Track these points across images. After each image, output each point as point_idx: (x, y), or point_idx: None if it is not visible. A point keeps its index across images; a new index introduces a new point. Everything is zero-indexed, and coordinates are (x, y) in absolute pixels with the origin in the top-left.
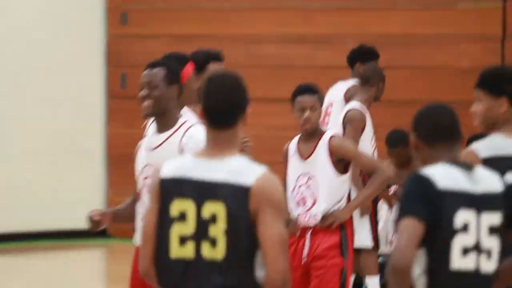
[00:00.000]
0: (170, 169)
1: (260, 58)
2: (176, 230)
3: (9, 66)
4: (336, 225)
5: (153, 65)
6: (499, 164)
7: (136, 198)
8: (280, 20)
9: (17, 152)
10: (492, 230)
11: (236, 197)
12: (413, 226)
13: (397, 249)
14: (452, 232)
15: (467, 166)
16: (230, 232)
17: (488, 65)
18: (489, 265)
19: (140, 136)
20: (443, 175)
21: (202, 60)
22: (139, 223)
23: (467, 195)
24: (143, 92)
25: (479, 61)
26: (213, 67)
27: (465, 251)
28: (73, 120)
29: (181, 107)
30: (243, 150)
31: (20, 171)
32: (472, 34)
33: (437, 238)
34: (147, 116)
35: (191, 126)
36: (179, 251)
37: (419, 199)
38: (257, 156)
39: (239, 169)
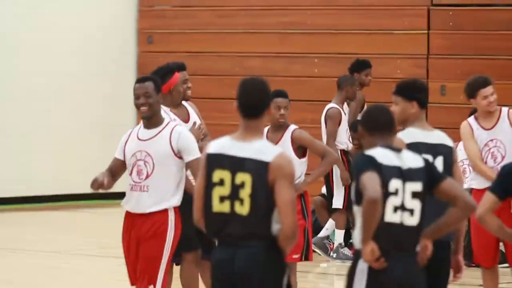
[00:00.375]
0: (215, 147)
1: (248, 69)
2: (217, 192)
3: (54, 80)
4: (296, 195)
5: (143, 79)
6: (416, 147)
7: (112, 170)
8: (263, 41)
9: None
10: (414, 195)
11: (258, 169)
12: (373, 176)
13: (368, 189)
14: (387, 195)
15: (397, 149)
16: (253, 195)
17: (415, 76)
18: (411, 220)
19: None
20: (381, 154)
21: (172, 69)
22: (128, 192)
23: (397, 169)
24: (141, 100)
25: (410, 74)
26: (181, 74)
27: (395, 209)
28: (107, 118)
29: (171, 107)
30: (202, 140)
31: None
32: (404, 53)
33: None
34: (146, 118)
35: (175, 125)
36: (219, 206)
37: (370, 164)
38: None
39: (262, 149)
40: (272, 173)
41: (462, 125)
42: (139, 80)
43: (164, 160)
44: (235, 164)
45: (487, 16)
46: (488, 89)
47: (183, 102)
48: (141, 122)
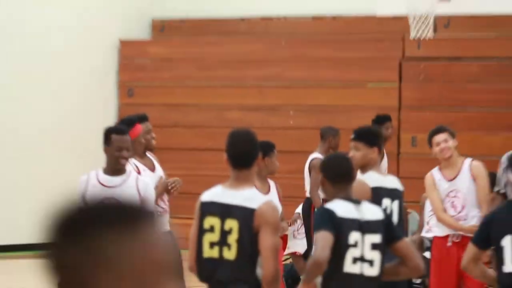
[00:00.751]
0: (207, 195)
1: (227, 121)
2: (207, 238)
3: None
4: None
5: (122, 131)
6: (379, 191)
7: None
8: (242, 94)
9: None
10: (373, 246)
11: (245, 216)
12: (327, 237)
13: (317, 250)
14: (346, 247)
15: (356, 201)
16: (240, 241)
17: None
18: (371, 271)
19: None
20: (341, 207)
21: (134, 121)
22: None
23: (356, 221)
24: (124, 153)
25: None
26: (143, 125)
27: (354, 260)
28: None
29: (135, 156)
30: (171, 189)
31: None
32: (377, 105)
33: (336, 250)
34: (119, 168)
35: (137, 175)
36: (209, 252)
37: (327, 221)
38: None
39: (251, 197)
40: (257, 219)
41: (426, 176)
42: (120, 132)
43: None
44: (224, 211)
45: (457, 69)
46: (440, 136)
47: (147, 153)
48: (97, 169)
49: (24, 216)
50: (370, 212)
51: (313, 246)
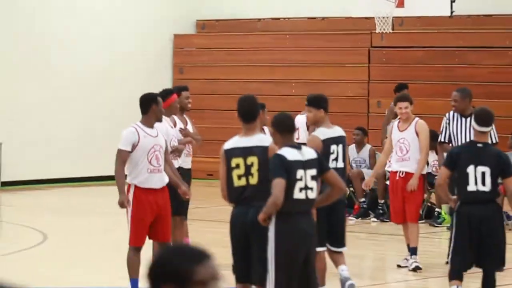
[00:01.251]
0: (229, 144)
1: (248, 90)
2: (235, 173)
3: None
4: None
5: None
6: (328, 141)
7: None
8: (258, 72)
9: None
10: (312, 178)
11: (262, 152)
12: (281, 183)
13: (275, 194)
14: (294, 181)
15: (299, 147)
16: (260, 170)
17: (360, 95)
18: (312, 195)
19: None
20: (288, 153)
21: (178, 90)
22: (147, 174)
23: (300, 162)
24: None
25: (356, 93)
26: (184, 94)
27: (300, 189)
28: None
29: (170, 116)
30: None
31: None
32: (353, 80)
33: (288, 184)
34: (159, 121)
35: (158, 126)
36: (238, 182)
37: (282, 168)
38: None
39: (262, 139)
40: (271, 153)
41: (390, 126)
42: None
43: (164, 150)
44: (245, 152)
45: (408, 54)
46: (403, 104)
47: (184, 114)
48: (136, 124)
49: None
50: (308, 153)
51: (272, 189)
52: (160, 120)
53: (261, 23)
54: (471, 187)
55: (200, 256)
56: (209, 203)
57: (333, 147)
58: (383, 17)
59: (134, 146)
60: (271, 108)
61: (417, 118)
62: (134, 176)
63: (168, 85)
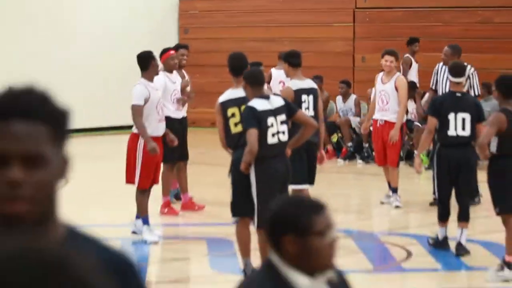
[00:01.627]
0: (223, 97)
1: (246, 48)
2: (232, 121)
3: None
4: None
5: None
6: (299, 92)
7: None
8: (254, 31)
9: None
10: (282, 122)
11: None
12: (254, 132)
13: (251, 143)
14: (267, 128)
15: (267, 97)
16: None
17: (346, 51)
18: (283, 138)
19: None
20: (258, 104)
21: (175, 48)
22: (157, 124)
23: (270, 110)
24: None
25: (343, 49)
26: (181, 51)
27: (273, 135)
28: None
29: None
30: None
31: None
32: (340, 37)
33: (261, 132)
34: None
35: (156, 79)
36: (234, 129)
37: (253, 119)
38: None
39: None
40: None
41: (376, 77)
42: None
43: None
44: (239, 102)
45: (388, 14)
46: (389, 57)
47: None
48: (139, 80)
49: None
50: (276, 101)
51: (247, 139)
52: (157, 74)
53: None
54: (451, 132)
55: (317, 207)
56: (212, 149)
57: (304, 97)
58: None
59: (146, 100)
60: (267, 64)
61: (398, 73)
62: (146, 126)
63: (175, 43)
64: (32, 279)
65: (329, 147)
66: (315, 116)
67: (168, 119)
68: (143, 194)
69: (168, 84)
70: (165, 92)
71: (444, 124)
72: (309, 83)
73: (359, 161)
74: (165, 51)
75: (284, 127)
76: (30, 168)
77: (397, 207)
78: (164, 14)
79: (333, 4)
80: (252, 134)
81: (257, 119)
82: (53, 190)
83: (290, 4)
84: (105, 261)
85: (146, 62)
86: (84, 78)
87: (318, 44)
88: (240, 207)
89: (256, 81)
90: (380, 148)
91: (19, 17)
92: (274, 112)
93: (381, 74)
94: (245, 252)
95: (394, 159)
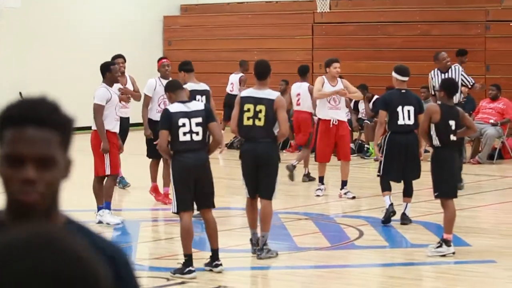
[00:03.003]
0: (244, 92)
1: (221, 57)
2: (246, 115)
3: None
4: None
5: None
6: (193, 92)
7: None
8: (227, 44)
9: None
10: (197, 124)
11: (269, 103)
12: (163, 133)
13: (160, 142)
14: (178, 127)
15: (186, 101)
16: (266, 116)
17: (305, 60)
18: (197, 138)
19: None
20: (173, 107)
21: (112, 59)
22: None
23: (183, 112)
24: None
25: (303, 58)
26: (117, 61)
27: (184, 133)
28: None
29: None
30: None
31: None
32: (300, 48)
33: (172, 131)
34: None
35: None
36: (246, 122)
37: (166, 120)
38: None
39: (270, 93)
40: (276, 104)
41: (318, 79)
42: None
43: None
44: (256, 100)
45: (340, 28)
46: (337, 64)
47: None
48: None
49: None
50: (196, 106)
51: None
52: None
53: (229, 6)
54: (400, 121)
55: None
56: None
57: (198, 97)
58: (323, 0)
59: (107, 101)
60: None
61: (341, 79)
62: (107, 123)
63: (160, 54)
64: (39, 250)
65: (292, 142)
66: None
67: (152, 122)
68: (113, 178)
69: (157, 88)
70: (154, 95)
71: (393, 116)
72: (202, 86)
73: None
74: (159, 60)
75: (200, 129)
76: (42, 168)
77: (353, 197)
78: (151, 28)
79: (295, 20)
80: (162, 136)
81: (169, 120)
82: (58, 187)
83: (258, 20)
84: (98, 248)
85: (104, 70)
86: (81, 82)
87: (282, 54)
88: (252, 189)
89: (175, 89)
90: (332, 146)
91: (33, 33)
92: (189, 114)
93: (324, 78)
94: (251, 225)
95: (348, 154)
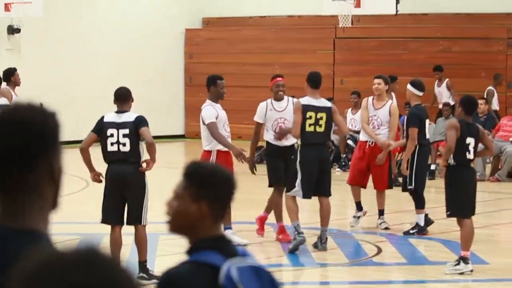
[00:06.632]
0: (303, 100)
1: (243, 70)
2: (308, 122)
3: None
4: None
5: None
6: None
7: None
8: (249, 58)
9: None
10: (124, 135)
11: (328, 110)
12: (90, 135)
13: (84, 141)
14: (106, 137)
15: (120, 112)
16: (326, 122)
17: (327, 74)
18: (124, 148)
19: None
20: (108, 116)
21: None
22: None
23: (114, 123)
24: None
25: (325, 73)
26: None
27: (112, 144)
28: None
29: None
30: None
31: None
32: (323, 62)
33: (102, 140)
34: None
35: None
36: (309, 129)
37: (97, 125)
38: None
39: (325, 102)
40: (333, 111)
41: (364, 99)
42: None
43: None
44: (317, 109)
45: (364, 43)
46: (377, 80)
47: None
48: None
49: None
50: (126, 117)
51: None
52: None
53: (252, 20)
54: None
55: None
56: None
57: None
58: (345, 15)
59: (216, 118)
60: (261, 84)
61: (391, 101)
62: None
63: (181, 67)
64: (90, 265)
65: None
66: None
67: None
68: None
69: (268, 113)
70: (267, 122)
71: (422, 130)
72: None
73: (337, 169)
74: (272, 78)
75: (127, 140)
76: None
77: (386, 228)
78: (172, 41)
79: (317, 34)
80: (89, 137)
81: (100, 127)
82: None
83: (280, 34)
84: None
85: (209, 84)
86: (101, 91)
87: (303, 68)
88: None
89: (117, 99)
90: (364, 170)
91: (54, 41)
92: (118, 125)
93: (370, 98)
94: (292, 217)
95: (385, 183)
